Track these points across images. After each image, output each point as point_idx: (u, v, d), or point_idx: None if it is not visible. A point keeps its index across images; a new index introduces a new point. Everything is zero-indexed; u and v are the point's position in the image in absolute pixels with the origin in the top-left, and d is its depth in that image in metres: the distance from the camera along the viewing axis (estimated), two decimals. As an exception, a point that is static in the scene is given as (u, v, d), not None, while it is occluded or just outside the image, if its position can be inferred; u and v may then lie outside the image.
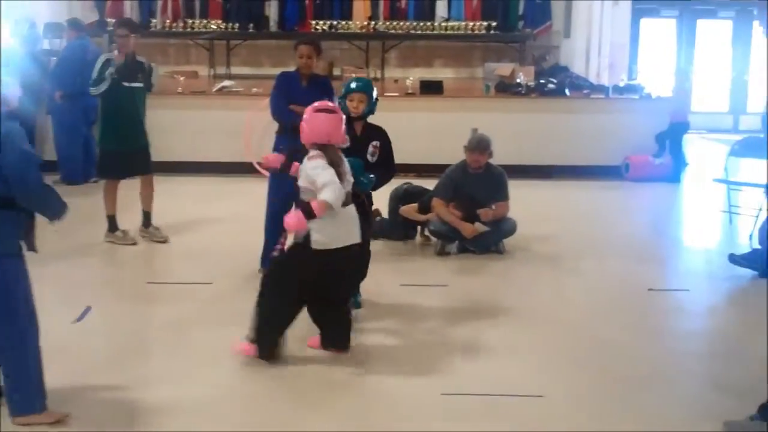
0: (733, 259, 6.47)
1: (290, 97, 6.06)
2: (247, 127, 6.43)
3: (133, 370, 4.55)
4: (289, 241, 4.72)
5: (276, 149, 6.17)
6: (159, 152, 10.02)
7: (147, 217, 7.27)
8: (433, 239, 7.08)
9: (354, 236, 4.66)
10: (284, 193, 6.18)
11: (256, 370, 4.58)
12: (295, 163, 4.67)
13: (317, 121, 4.56)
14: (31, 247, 3.87)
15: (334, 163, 4.47)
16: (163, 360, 4.77)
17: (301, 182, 4.54)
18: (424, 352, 4.85)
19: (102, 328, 5.28)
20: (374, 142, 5.36)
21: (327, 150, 4.51)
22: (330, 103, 4.76)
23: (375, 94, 5.38)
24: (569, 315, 5.52)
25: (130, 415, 4.05)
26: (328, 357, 4.75)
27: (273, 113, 6.18)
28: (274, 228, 6.18)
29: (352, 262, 4.75)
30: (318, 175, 4.39)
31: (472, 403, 4.23)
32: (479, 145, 6.93)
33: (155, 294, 5.89)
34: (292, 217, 4.44)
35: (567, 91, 10.74)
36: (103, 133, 7.03)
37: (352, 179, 4.64)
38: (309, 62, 6.09)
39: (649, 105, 10.64)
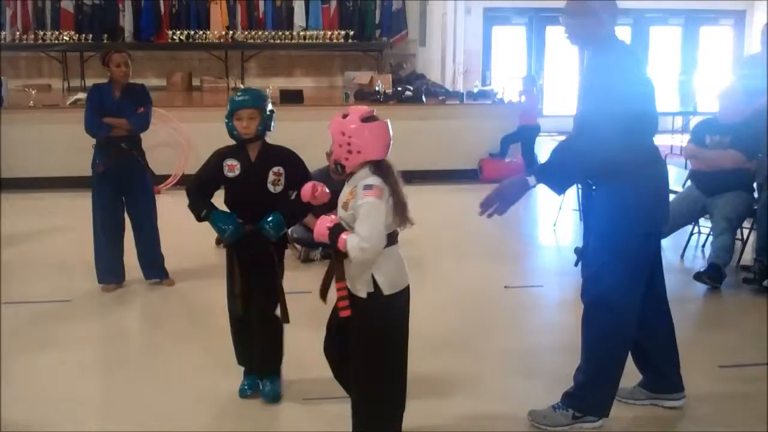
0: (578, 251, 6.82)
1: (103, 109, 6.03)
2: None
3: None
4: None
5: (93, 163, 6.12)
6: (10, 169, 9.81)
7: None
8: (298, 246, 7.14)
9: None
10: (110, 196, 6.14)
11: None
12: (316, 186, 3.84)
13: (371, 133, 3.51)
14: None
15: (395, 181, 3.55)
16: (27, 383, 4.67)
17: (340, 212, 3.57)
18: (291, 357, 4.92)
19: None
20: (275, 168, 4.21)
21: (383, 167, 3.55)
22: (365, 107, 3.70)
23: (269, 106, 4.24)
24: (429, 315, 5.69)
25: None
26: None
27: (86, 128, 6.09)
28: (105, 235, 6.16)
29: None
30: (364, 219, 3.43)
31: (332, 406, 4.29)
32: None
33: (14, 315, 5.70)
34: (320, 227, 3.52)
35: (423, 98, 11.02)
36: None
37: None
38: (126, 70, 6.04)
39: (501, 110, 11.06)
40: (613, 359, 3.98)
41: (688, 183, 7.03)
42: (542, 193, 9.03)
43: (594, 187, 3.95)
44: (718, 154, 6.55)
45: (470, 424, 4.16)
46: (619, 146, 3.66)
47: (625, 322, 3.93)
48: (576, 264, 4.18)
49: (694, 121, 15.91)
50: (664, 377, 4.21)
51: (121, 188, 6.16)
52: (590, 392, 4.00)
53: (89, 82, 13.78)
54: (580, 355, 4.06)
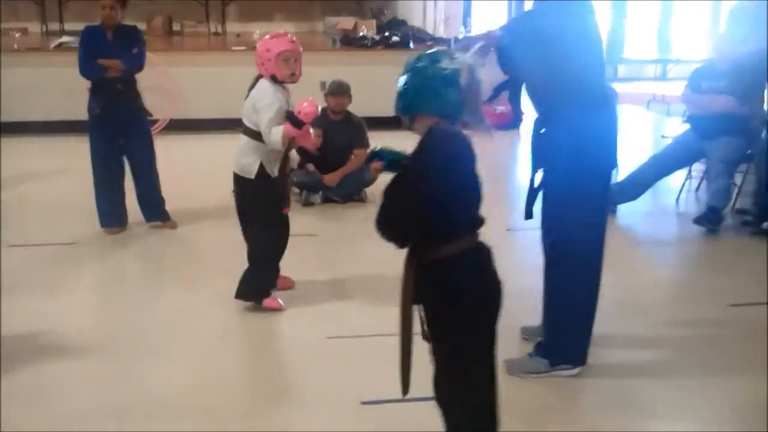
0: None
1: (96, 51, 5.95)
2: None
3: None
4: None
5: (89, 106, 6.03)
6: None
7: None
8: (297, 190, 7.12)
9: None
10: (107, 139, 6.06)
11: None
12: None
13: None
14: None
15: None
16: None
17: None
18: (304, 298, 4.96)
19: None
20: None
21: None
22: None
23: None
24: None
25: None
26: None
27: (81, 71, 6.01)
28: (106, 179, 6.10)
29: None
30: None
31: (355, 344, 4.37)
32: (340, 89, 7.12)
33: (18, 257, 5.67)
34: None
35: (411, 44, 10.94)
36: None
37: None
38: (112, 13, 5.94)
39: (490, 56, 10.98)
40: (584, 304, 3.92)
41: (687, 127, 7.08)
42: (525, 138, 8.98)
43: (543, 130, 3.86)
44: (712, 99, 6.65)
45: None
46: (564, 87, 3.66)
47: (592, 263, 3.88)
48: (527, 217, 4.04)
49: (672, 69, 16.24)
50: None
51: (118, 130, 6.09)
52: (563, 342, 3.95)
53: (68, 27, 13.53)
54: (543, 305, 4.00)
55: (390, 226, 2.64)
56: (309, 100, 4.33)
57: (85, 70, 5.98)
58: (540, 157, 3.90)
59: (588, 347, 4.00)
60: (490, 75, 10.72)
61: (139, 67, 6.11)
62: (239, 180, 4.62)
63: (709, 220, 6.30)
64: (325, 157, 6.96)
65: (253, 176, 4.53)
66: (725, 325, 4.66)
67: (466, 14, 15.38)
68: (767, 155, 6.39)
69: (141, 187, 6.26)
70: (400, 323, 2.72)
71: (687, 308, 4.92)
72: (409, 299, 2.69)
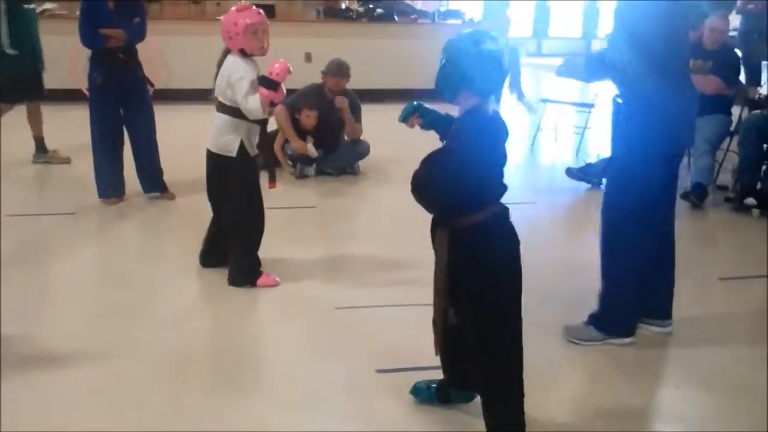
0: (570, 172, 7.08)
1: (98, 21, 5.93)
2: (73, 53, 6.10)
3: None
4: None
5: (91, 77, 6.04)
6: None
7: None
8: (290, 162, 7.17)
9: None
10: (109, 109, 6.08)
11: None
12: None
13: None
14: None
15: None
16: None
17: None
18: (308, 271, 5.05)
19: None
20: None
21: None
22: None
23: None
24: (414, 235, 5.72)
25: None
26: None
27: (82, 41, 6.00)
28: (105, 150, 6.10)
29: None
30: None
31: (361, 314, 4.46)
32: (341, 70, 7.12)
33: (18, 227, 5.67)
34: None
35: (396, 16, 11.00)
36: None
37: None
38: None
39: (472, 29, 11.06)
40: (629, 281, 4.00)
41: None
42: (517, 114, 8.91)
43: (621, 102, 3.90)
44: (699, 80, 6.79)
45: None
46: (646, 65, 3.67)
47: (642, 242, 3.92)
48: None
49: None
50: (657, 303, 4.24)
51: (119, 101, 6.09)
52: (614, 315, 4.06)
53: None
54: (600, 277, 4.07)
55: (433, 196, 2.96)
56: (279, 61, 4.36)
57: (88, 41, 5.97)
58: (617, 133, 3.96)
59: (636, 321, 4.16)
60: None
61: (141, 37, 6.13)
62: (217, 159, 4.58)
63: (696, 195, 6.48)
64: (321, 134, 7.03)
65: (234, 154, 4.51)
66: (718, 299, 4.85)
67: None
68: (751, 134, 6.57)
69: (141, 158, 6.26)
70: (438, 290, 3.07)
71: (682, 282, 5.05)
72: (445, 266, 3.00)
